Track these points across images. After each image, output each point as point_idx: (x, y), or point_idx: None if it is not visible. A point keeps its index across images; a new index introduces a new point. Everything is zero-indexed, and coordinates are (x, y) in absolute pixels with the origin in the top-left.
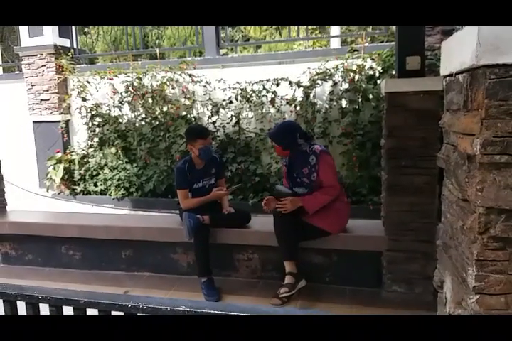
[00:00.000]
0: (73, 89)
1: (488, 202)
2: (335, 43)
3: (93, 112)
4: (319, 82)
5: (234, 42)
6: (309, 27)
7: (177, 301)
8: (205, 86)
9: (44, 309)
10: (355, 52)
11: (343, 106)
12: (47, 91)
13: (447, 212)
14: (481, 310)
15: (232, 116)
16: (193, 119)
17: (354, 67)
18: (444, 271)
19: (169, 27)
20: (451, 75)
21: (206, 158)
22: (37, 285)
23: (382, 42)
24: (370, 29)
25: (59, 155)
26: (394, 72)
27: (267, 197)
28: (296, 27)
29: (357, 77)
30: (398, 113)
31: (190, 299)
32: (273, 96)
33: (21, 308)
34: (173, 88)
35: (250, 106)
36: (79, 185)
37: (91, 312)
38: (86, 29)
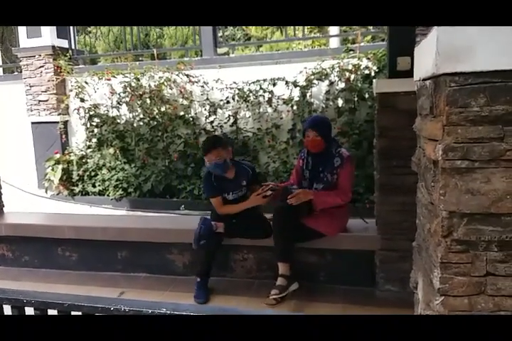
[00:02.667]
0: (71, 90)
1: (451, 206)
2: (334, 42)
3: (91, 113)
4: (315, 81)
5: (231, 43)
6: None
7: (159, 304)
8: (202, 86)
9: (29, 312)
10: (351, 52)
11: (340, 105)
12: (45, 92)
13: (420, 215)
14: (446, 312)
15: (229, 116)
16: (191, 119)
17: (350, 67)
18: (417, 272)
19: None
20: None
21: (220, 173)
22: (28, 288)
23: (383, 40)
24: (371, 28)
25: (57, 156)
26: None
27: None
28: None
29: (353, 76)
30: (389, 113)
31: (185, 299)
32: (270, 96)
33: (7, 312)
34: (171, 88)
35: (247, 106)
36: (77, 185)
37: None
38: (89, 28)
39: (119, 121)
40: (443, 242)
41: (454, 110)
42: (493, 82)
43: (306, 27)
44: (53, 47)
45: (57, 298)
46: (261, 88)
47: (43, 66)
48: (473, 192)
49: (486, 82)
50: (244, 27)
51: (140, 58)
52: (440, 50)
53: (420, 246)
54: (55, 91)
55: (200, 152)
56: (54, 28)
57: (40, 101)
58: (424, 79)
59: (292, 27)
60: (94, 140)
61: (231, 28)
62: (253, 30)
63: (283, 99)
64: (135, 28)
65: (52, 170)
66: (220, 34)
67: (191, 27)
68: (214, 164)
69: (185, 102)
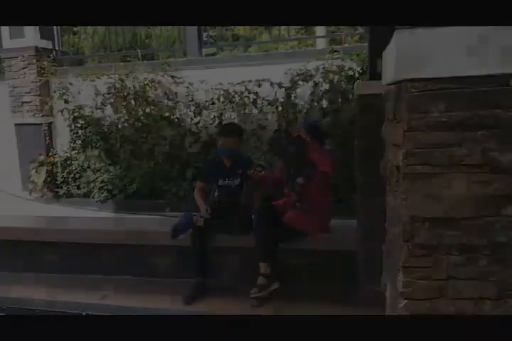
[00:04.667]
0: (55, 91)
1: (412, 210)
2: (321, 43)
3: (75, 114)
4: (300, 82)
5: (217, 43)
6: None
7: (126, 308)
8: (187, 87)
9: None
10: (336, 53)
11: (324, 106)
12: (29, 93)
13: (388, 218)
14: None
15: (215, 117)
16: (176, 120)
17: (334, 68)
18: (386, 275)
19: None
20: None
21: (223, 156)
22: (12, 292)
23: None
24: (360, 28)
25: (42, 157)
26: None
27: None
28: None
29: (337, 77)
30: (370, 114)
31: (169, 302)
32: (255, 97)
33: None
34: (156, 89)
35: (233, 107)
36: (62, 187)
37: None
38: (75, 29)
39: (103, 122)
40: (405, 247)
41: (415, 116)
42: (451, 88)
43: (293, 28)
44: (36, 48)
45: (29, 304)
46: (246, 89)
47: (26, 67)
48: (433, 197)
49: (444, 88)
50: (232, 27)
51: (128, 58)
52: (399, 57)
53: (388, 250)
54: (38, 93)
55: (185, 153)
56: (37, 29)
57: (23, 102)
58: (389, 84)
59: (279, 27)
60: (78, 141)
61: (219, 27)
62: (242, 31)
63: (268, 100)
64: (119, 28)
65: (37, 172)
66: (205, 34)
67: (178, 27)
68: (227, 148)
69: (170, 103)
